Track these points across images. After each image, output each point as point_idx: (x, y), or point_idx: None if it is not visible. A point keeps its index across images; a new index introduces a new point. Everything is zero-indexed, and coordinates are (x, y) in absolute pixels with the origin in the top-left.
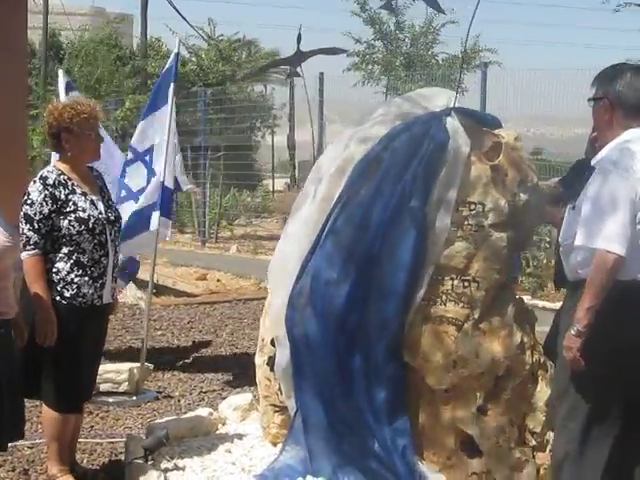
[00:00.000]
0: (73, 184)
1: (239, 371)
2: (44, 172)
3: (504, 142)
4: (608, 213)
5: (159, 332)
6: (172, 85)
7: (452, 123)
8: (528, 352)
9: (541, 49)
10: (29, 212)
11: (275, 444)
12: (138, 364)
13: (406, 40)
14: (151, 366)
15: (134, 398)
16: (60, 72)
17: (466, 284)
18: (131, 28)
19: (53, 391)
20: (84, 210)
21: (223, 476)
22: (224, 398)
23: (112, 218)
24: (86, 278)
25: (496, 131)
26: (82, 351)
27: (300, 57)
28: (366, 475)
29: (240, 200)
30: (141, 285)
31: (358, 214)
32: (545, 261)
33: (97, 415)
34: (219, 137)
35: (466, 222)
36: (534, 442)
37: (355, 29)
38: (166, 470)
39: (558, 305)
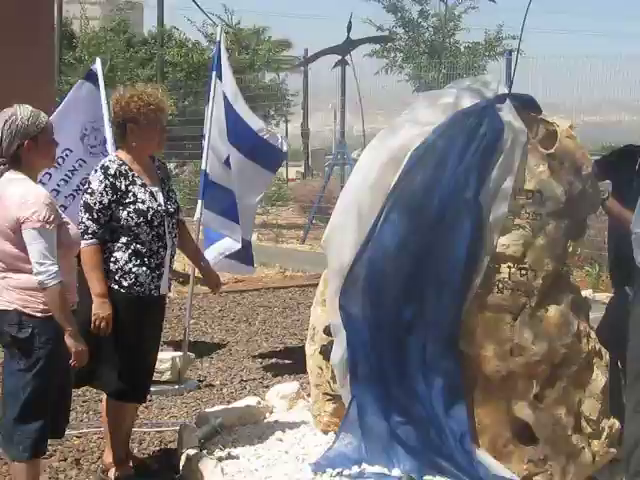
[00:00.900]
0: (134, 175)
1: (277, 359)
2: (105, 161)
3: (559, 130)
4: None
5: (192, 321)
6: (213, 75)
7: (507, 111)
8: (584, 340)
9: (563, 37)
10: (89, 201)
11: (326, 432)
12: (180, 353)
13: (429, 28)
14: (192, 355)
15: (176, 387)
16: (97, 60)
17: (523, 272)
18: (141, 16)
19: (114, 380)
20: (143, 202)
21: (278, 464)
22: (266, 386)
23: (171, 210)
24: (144, 268)
25: (550, 119)
26: (140, 340)
27: (350, 45)
28: (423, 462)
29: None
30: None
31: (414, 204)
32: (571, 249)
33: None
34: None
35: (523, 210)
36: (590, 429)
37: (372, 15)
38: (221, 459)
39: (585, 293)
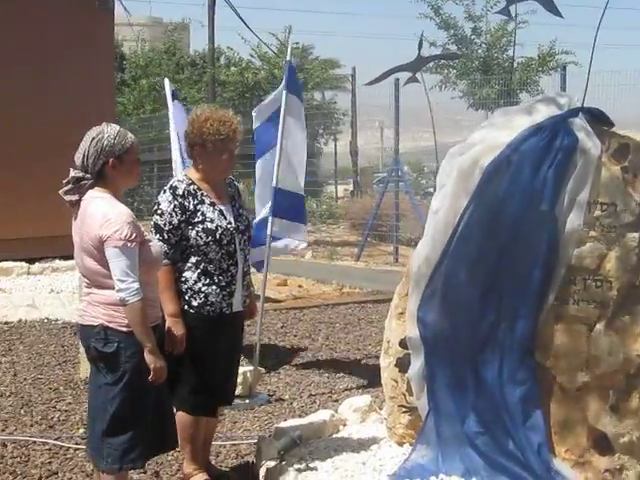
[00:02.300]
0: (202, 194)
1: (343, 374)
2: (174, 182)
3: (632, 143)
4: None
5: (255, 337)
6: (284, 93)
7: (580, 124)
8: None
9: (617, 52)
10: (159, 222)
11: (401, 444)
12: (251, 367)
13: (482, 45)
14: (263, 370)
15: (247, 401)
16: (166, 81)
17: (598, 284)
18: (188, 37)
19: (185, 396)
20: (212, 221)
21: (356, 476)
22: (335, 400)
23: (242, 227)
24: (214, 287)
25: (622, 132)
26: (212, 358)
27: (420, 63)
28: (501, 473)
29: (308, 207)
30: None
31: (488, 218)
32: None
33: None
34: None
35: (598, 223)
36: None
37: (417, 32)
38: (300, 471)
39: None
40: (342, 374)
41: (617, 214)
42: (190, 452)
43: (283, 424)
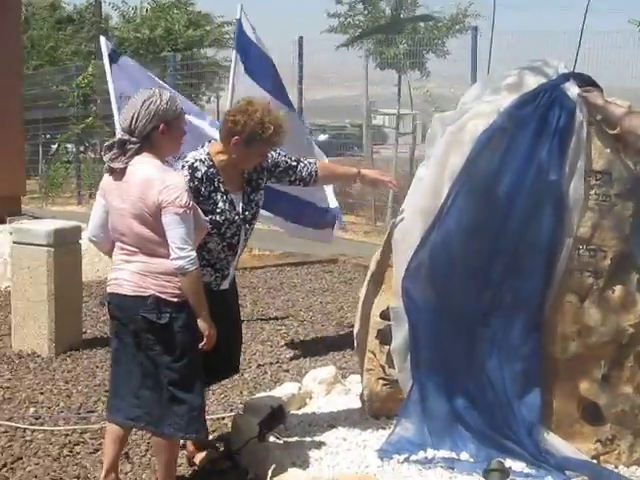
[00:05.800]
0: (219, 180)
1: (284, 341)
2: (196, 162)
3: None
4: None
5: None
6: (234, 52)
7: (574, 91)
8: None
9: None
10: None
11: (377, 417)
12: None
13: (391, 1)
14: None
15: None
16: (102, 39)
17: (592, 253)
18: None
19: None
20: (222, 212)
21: (341, 453)
22: (286, 370)
23: (249, 217)
24: (209, 268)
25: (610, 99)
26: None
27: (398, 24)
28: (489, 446)
29: None
30: None
31: (481, 188)
32: None
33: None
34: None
35: (592, 192)
36: None
37: None
38: (283, 448)
39: None
40: (282, 341)
41: (611, 183)
42: None
43: (253, 399)
